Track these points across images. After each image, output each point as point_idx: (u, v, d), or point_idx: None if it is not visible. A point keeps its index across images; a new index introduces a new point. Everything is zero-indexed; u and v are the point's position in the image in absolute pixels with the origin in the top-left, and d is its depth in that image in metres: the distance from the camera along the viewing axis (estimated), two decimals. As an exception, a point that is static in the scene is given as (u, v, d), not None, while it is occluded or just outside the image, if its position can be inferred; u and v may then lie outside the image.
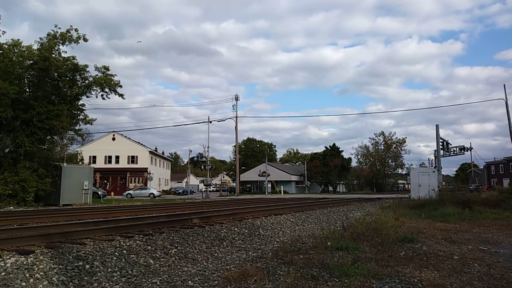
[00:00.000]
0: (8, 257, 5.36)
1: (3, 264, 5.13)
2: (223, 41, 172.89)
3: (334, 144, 79.53)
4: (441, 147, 30.48)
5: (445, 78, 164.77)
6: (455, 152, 34.08)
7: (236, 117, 53.22)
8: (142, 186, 54.33)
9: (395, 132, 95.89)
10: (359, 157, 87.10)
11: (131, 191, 48.21)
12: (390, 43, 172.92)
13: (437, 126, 30.36)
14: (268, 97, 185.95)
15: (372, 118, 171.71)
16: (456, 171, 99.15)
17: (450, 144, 33.70)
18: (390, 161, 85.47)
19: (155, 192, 47.41)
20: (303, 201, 24.43)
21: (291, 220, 12.95)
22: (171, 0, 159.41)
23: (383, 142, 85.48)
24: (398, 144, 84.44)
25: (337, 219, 14.79)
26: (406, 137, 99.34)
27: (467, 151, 35.42)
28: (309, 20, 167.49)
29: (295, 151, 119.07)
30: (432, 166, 39.58)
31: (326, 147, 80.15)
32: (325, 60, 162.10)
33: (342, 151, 79.35)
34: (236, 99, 52.82)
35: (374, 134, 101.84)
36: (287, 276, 5.41)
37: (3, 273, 4.93)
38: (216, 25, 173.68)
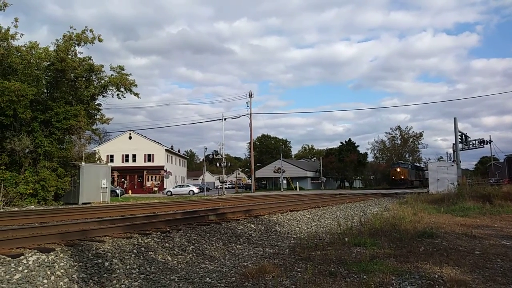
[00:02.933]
0: (30, 255, 5.47)
1: (25, 262, 5.23)
2: (236, 40, 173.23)
3: (349, 140, 78.90)
4: (459, 140, 29.91)
5: (461, 71, 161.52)
6: (474, 145, 33.41)
7: (250, 114, 53.18)
8: (182, 184, 56.58)
9: (411, 126, 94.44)
10: (375, 152, 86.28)
11: (171, 189, 48.95)
12: (404, 37, 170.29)
13: (455, 119, 29.80)
14: (281, 94, 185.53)
15: (388, 113, 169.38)
16: (476, 164, 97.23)
17: (469, 137, 33.05)
18: (407, 155, 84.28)
19: (195, 189, 47.98)
20: (319, 197, 24.30)
21: (308, 216, 12.89)
22: (184, 0, 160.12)
23: (400, 137, 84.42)
24: (415, 138, 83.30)
25: (354, 214, 14.66)
26: (423, 131, 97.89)
27: (486, 144, 34.69)
28: (321, 16, 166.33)
29: (310, 147, 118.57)
30: (450, 160, 38.86)
31: (341, 143, 79.57)
32: (338, 55, 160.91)
33: (358, 146, 78.69)
34: (250, 96, 52.74)
35: (390, 128, 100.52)
36: (305, 272, 5.38)
37: (25, 271, 5.02)
38: (229, 24, 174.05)
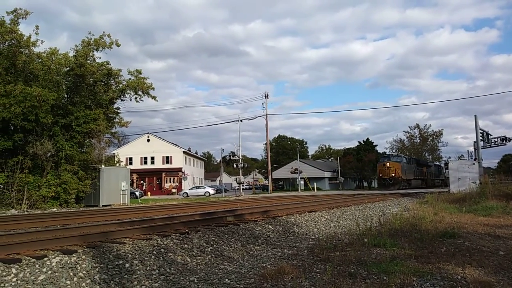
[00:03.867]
0: (53, 256, 5.59)
1: (49, 263, 5.35)
2: (251, 41, 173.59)
3: (367, 139, 78.00)
4: (480, 138, 29.28)
5: (480, 67, 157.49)
6: (496, 143, 32.65)
7: (266, 114, 53.21)
8: (198, 185, 56.74)
9: (430, 124, 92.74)
10: (393, 151, 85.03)
11: (187, 190, 49.43)
12: (421, 34, 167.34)
13: (475, 116, 29.23)
14: (297, 94, 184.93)
15: (406, 111, 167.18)
16: (498, 162, 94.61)
17: (490, 135, 32.32)
18: (426, 154, 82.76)
19: (210, 191, 48.29)
20: (337, 198, 24.11)
21: (326, 217, 12.81)
22: (199, 4, 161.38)
23: (419, 135, 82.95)
24: (434, 136, 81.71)
25: (373, 215, 14.49)
26: (442, 129, 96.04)
27: (508, 141, 33.79)
28: (336, 15, 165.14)
29: (327, 147, 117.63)
30: (471, 158, 38.03)
31: (359, 142, 78.72)
32: (354, 54, 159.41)
33: (376, 145, 77.74)
34: (266, 97, 52.77)
35: (409, 127, 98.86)
36: (324, 273, 5.35)
37: (49, 272, 5.14)
38: (244, 26, 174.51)
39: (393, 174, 44.23)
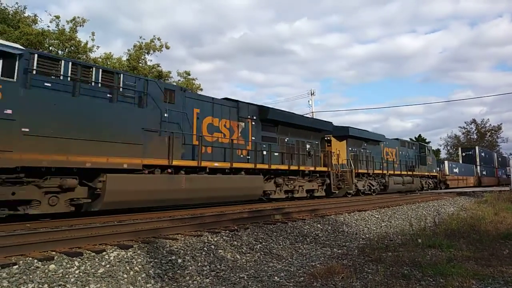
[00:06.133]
0: (111, 251, 5.90)
1: (107, 257, 5.65)
2: (297, 40, 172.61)
3: (420, 135, 74.86)
4: (547, 133, 27.11)
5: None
6: None
7: (313, 112, 52.42)
8: None
9: (488, 119, 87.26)
10: (448, 148, 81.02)
11: None
12: (476, 25, 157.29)
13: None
14: (344, 91, 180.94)
15: (461, 106, 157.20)
16: None
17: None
18: (484, 151, 78.19)
19: None
20: (388, 196, 23.36)
21: (376, 216, 12.47)
22: (244, 5, 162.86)
23: (476, 131, 78.55)
24: (493, 132, 76.99)
25: (427, 214, 13.91)
26: (501, 124, 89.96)
27: None
28: (384, 9, 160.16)
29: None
30: (536, 154, 35.36)
31: (411, 139, 75.78)
32: (403, 48, 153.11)
33: (429, 142, 74.32)
34: (312, 94, 52.22)
35: (465, 122, 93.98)
36: (376, 274, 5.21)
37: (108, 266, 5.43)
38: (289, 25, 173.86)
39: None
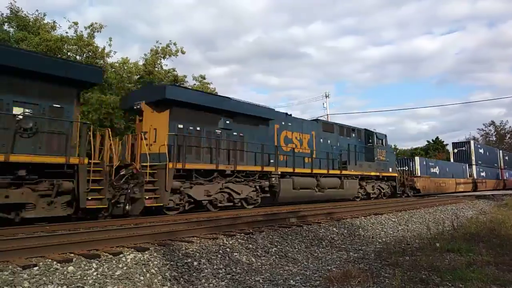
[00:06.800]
0: (128, 253, 5.96)
1: (124, 260, 5.72)
2: (311, 43, 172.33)
3: (437, 138, 73.67)
4: None
5: None
6: None
7: (328, 114, 52.11)
8: None
9: (507, 121, 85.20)
10: (467, 150, 79.41)
11: None
12: (494, 25, 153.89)
13: None
14: (359, 94, 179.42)
15: (478, 108, 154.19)
16: None
17: None
18: (504, 153, 76.40)
19: None
20: (405, 200, 23.03)
21: (393, 220, 12.30)
22: (259, 9, 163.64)
23: (495, 133, 76.88)
24: (513, 134, 75.15)
25: (445, 218, 13.66)
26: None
27: None
28: (399, 11, 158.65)
29: (392, 147, 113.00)
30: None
31: (428, 141, 74.52)
32: (420, 50, 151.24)
33: (446, 144, 73.06)
34: (326, 96, 51.97)
35: (483, 124, 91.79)
36: (393, 278, 5.14)
37: (124, 268, 5.49)
38: (304, 28, 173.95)
39: None
